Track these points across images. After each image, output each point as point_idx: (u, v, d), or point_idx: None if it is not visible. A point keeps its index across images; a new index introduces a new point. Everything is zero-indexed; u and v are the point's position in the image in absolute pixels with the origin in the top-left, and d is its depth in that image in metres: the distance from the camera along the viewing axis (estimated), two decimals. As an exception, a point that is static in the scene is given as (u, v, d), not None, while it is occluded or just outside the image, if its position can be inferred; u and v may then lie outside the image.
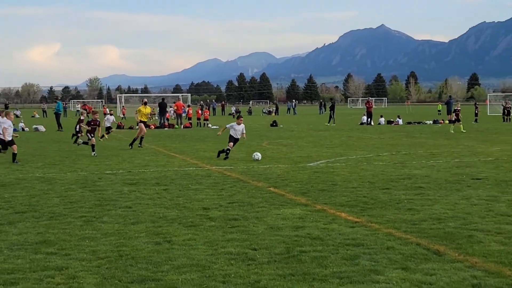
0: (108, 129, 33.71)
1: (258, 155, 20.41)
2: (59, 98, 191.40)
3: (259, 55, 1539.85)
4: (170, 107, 59.62)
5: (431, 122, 53.20)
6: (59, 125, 45.00)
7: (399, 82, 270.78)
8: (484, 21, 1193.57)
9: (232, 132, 21.22)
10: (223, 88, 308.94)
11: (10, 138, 20.73)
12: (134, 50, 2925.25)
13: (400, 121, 52.04)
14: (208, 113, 56.16)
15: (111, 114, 36.20)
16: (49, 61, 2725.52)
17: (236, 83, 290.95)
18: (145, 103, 29.71)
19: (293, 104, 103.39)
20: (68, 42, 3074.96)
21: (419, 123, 52.54)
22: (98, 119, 25.24)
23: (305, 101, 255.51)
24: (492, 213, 10.53)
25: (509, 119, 54.00)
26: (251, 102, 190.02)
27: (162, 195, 13.04)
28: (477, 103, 68.94)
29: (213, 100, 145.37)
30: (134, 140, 26.22)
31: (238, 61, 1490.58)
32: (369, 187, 13.84)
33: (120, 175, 16.84)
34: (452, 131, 36.38)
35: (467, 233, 8.97)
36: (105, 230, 9.57)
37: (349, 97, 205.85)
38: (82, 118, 30.44)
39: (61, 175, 16.78)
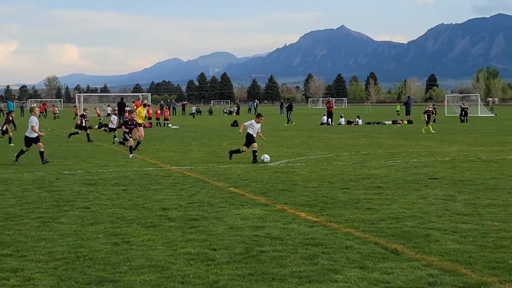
0: (112, 130, 32.05)
1: (267, 158, 19.77)
2: (16, 97, 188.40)
3: (220, 55, 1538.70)
4: (127, 106, 59.06)
5: (390, 122, 53.77)
6: (14, 124, 44.00)
7: (359, 82, 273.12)
8: (442, 23, 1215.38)
9: (250, 130, 20.96)
10: (183, 88, 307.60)
11: (36, 135, 20.03)
12: (94, 49, 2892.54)
13: (360, 122, 52.48)
14: (168, 112, 55.96)
15: (115, 114, 35.41)
16: (5, 60, 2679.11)
17: (197, 83, 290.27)
18: (145, 105, 29.30)
19: (255, 104, 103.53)
20: (26, 40, 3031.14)
21: (378, 123, 53.06)
22: (135, 119, 24.47)
23: (266, 101, 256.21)
24: (449, 213, 10.69)
25: (466, 119, 54.97)
26: (212, 102, 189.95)
27: (121, 196, 12.92)
28: (435, 103, 69.91)
29: (173, 100, 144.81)
30: (139, 143, 25.06)
31: (199, 60, 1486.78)
32: (328, 187, 13.93)
33: (78, 175, 16.64)
34: (433, 131, 36.55)
35: (424, 232, 9.09)
36: (62, 231, 9.44)
37: (310, 97, 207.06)
38: (85, 113, 32.27)
39: (17, 175, 16.49)
